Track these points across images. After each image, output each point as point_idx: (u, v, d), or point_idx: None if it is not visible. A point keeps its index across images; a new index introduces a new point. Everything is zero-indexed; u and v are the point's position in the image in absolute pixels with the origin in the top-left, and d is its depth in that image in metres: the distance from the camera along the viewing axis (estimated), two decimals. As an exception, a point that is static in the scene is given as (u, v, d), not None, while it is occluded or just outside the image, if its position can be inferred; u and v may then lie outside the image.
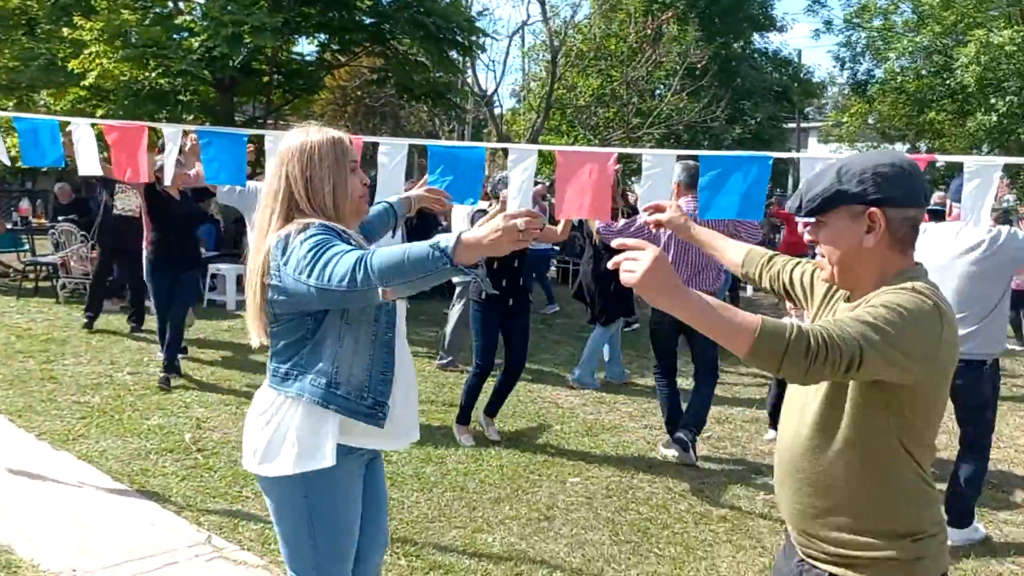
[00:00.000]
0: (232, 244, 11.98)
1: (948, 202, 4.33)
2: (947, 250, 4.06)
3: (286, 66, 12.78)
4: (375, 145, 4.92)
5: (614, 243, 1.68)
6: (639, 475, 5.02)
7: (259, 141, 5.01)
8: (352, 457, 2.31)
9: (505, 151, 5.53)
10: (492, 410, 5.55)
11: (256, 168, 7.69)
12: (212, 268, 10.20)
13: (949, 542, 2.03)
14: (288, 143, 2.27)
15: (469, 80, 17.21)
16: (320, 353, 2.22)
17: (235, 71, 11.08)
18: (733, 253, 2.38)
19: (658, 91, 16.75)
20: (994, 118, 14.97)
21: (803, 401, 1.83)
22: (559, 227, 5.06)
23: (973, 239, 3.98)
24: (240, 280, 10.48)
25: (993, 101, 15.07)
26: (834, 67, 23.25)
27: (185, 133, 5.03)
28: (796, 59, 24.04)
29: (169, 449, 5.02)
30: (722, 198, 3.63)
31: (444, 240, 1.93)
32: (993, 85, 15.05)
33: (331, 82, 17.24)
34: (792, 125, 28.34)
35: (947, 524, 3.80)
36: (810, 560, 1.82)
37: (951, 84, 15.82)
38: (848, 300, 1.85)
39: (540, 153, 5.19)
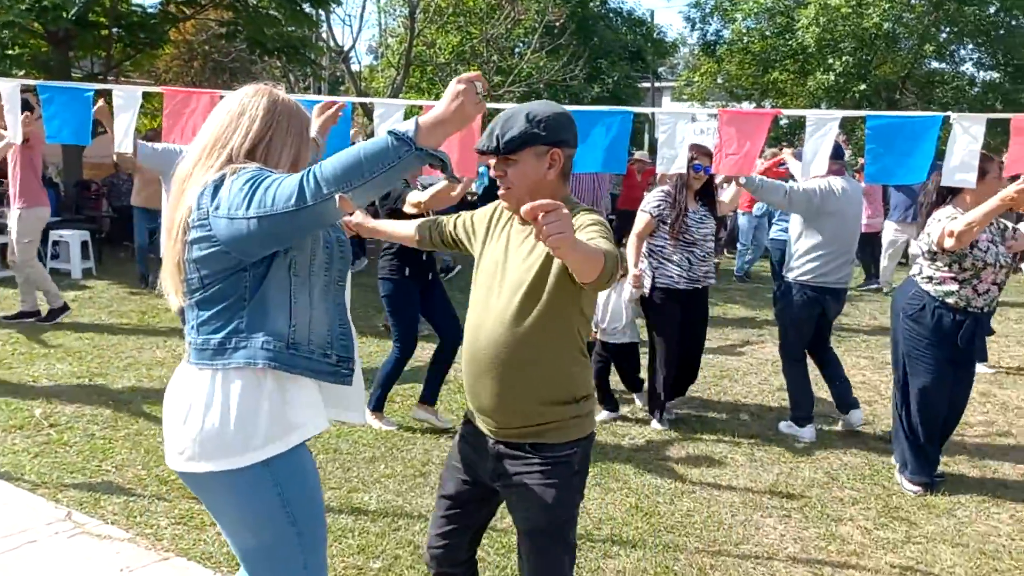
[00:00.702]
0: (75, 210, 11.25)
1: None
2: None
3: (126, 18, 11.98)
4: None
5: (523, 210, 1.72)
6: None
7: (107, 96, 4.71)
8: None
9: (366, 107, 5.42)
10: (434, 398, 5.02)
11: (98, 127, 7.23)
12: (54, 235, 9.55)
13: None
14: (251, 95, 1.98)
15: (324, 35, 16.69)
16: (267, 312, 1.89)
17: (70, 23, 10.30)
18: (405, 229, 2.71)
19: (518, 49, 16.80)
20: (832, 77, 15.91)
21: (496, 300, 2.21)
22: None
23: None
24: (86, 247, 9.88)
25: (831, 61, 15.99)
26: (685, 27, 23.96)
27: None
28: (649, 19, 24.65)
29: (18, 426, 4.73)
30: (587, 152, 3.71)
31: (402, 126, 1.72)
32: (831, 46, 15.96)
33: (176, 36, 16.32)
34: (647, 84, 29.11)
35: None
36: (508, 440, 2.24)
37: (793, 45, 16.66)
38: (523, 223, 2.22)
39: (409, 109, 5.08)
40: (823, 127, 3.54)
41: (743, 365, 6.79)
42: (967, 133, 3.27)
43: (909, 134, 3.31)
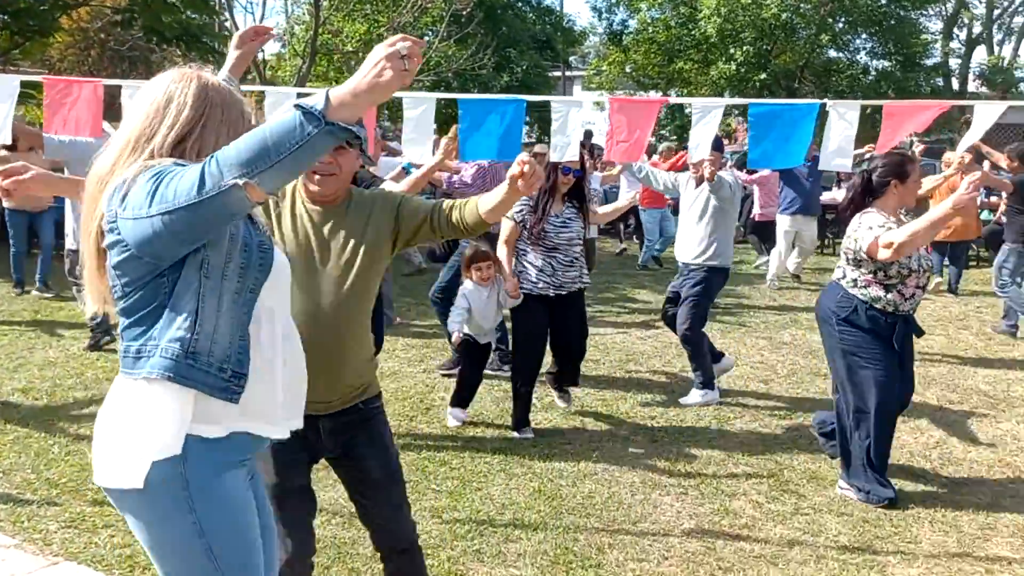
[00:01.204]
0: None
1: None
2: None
3: (13, 4, 11.44)
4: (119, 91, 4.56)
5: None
6: (418, 417, 5.15)
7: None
8: (235, 461, 1.85)
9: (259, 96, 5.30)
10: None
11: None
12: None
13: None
14: (177, 80, 1.78)
15: (227, 23, 16.23)
16: (175, 317, 1.73)
17: (-52, 9, 9.79)
18: None
19: (427, 38, 16.68)
20: (733, 67, 16.34)
21: (314, 286, 2.38)
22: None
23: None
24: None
25: (732, 51, 16.42)
26: (592, 17, 24.20)
27: None
28: (559, 8, 24.83)
29: None
30: (481, 140, 3.74)
31: (310, 100, 1.53)
32: (732, 36, 16.38)
33: (69, 23, 15.63)
34: (558, 73, 29.36)
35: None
36: (344, 407, 2.45)
37: (696, 35, 17.04)
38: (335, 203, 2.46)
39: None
40: (707, 115, 3.65)
41: (648, 349, 6.94)
42: (843, 119, 3.43)
43: (788, 121, 3.45)
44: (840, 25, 17.33)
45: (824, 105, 3.53)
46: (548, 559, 3.43)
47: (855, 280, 4.04)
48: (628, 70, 19.06)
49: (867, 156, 5.74)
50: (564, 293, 4.87)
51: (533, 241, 4.79)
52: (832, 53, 18.55)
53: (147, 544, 1.82)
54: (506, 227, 4.84)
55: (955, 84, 28.76)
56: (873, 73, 17.78)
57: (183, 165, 1.66)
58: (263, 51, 18.30)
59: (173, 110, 1.75)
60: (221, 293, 1.76)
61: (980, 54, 29.61)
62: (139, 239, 1.64)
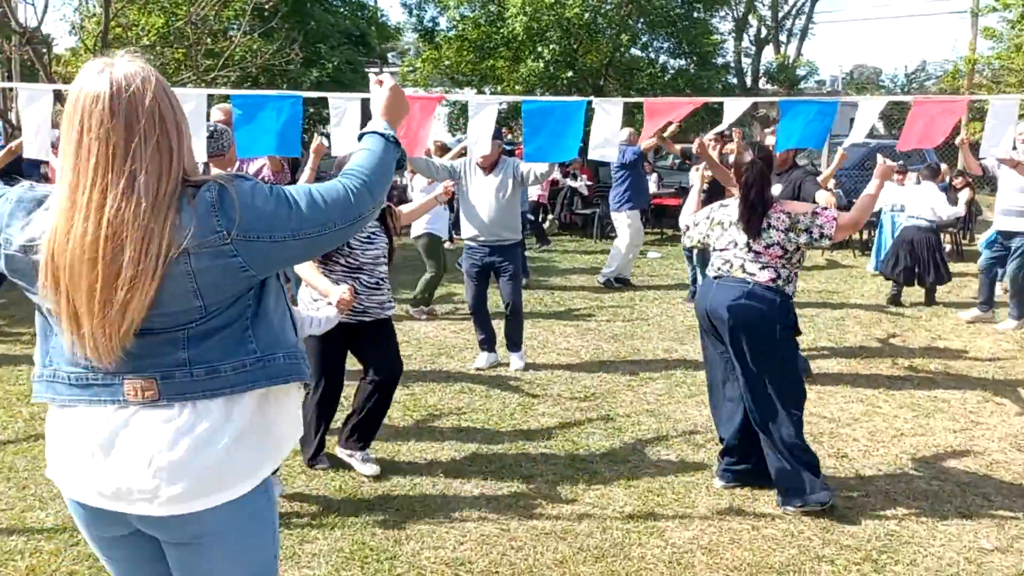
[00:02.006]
0: None
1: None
2: None
3: None
4: None
5: None
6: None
7: None
8: None
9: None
10: None
11: None
12: None
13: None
14: (140, 74, 1.61)
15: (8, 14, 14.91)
16: (275, 322, 1.76)
17: None
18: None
19: (232, 32, 16.05)
20: (542, 65, 16.80)
21: None
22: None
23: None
24: None
25: (540, 49, 16.87)
26: (403, 13, 24.18)
27: None
28: (373, 3, 24.60)
29: None
30: (259, 136, 3.68)
31: (377, 126, 1.89)
32: (539, 35, 16.83)
33: None
34: (376, 70, 29.09)
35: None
36: None
37: (504, 33, 17.37)
38: None
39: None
40: (482, 111, 3.77)
41: (460, 342, 7.04)
42: (608, 115, 3.65)
43: (560, 117, 3.62)
44: (639, 25, 18.19)
45: (591, 103, 3.73)
46: (343, 556, 3.43)
47: (787, 277, 3.89)
48: (442, 67, 19.18)
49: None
50: (368, 320, 4.21)
51: (331, 260, 4.07)
52: (636, 52, 19.47)
53: (228, 557, 1.77)
54: None
55: (748, 82, 31.01)
56: (671, 71, 18.81)
57: (247, 178, 1.68)
58: (52, 46, 16.99)
59: (171, 114, 1.67)
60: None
61: (770, 54, 32.07)
62: (272, 258, 1.67)
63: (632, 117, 12.11)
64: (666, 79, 18.21)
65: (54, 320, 1.66)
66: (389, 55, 31.03)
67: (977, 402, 5.55)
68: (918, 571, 3.39)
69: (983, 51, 19.31)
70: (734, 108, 3.64)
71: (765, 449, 3.92)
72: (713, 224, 4.10)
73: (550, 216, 14.51)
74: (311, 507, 3.89)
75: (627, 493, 4.10)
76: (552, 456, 4.56)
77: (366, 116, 2.12)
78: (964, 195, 12.14)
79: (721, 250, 4.02)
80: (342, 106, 3.70)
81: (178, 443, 1.66)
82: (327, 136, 7.23)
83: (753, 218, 3.83)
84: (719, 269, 4.01)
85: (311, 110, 17.70)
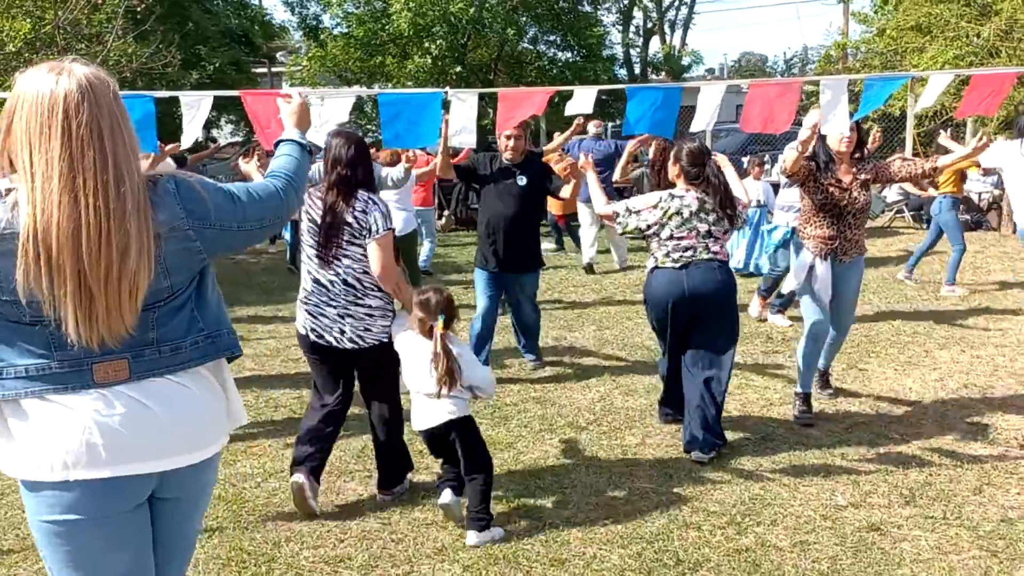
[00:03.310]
0: None
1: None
2: None
3: None
4: None
5: None
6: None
7: None
8: None
9: None
10: None
11: None
12: None
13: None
14: (99, 72, 1.77)
15: None
16: (214, 302, 2.02)
17: None
18: None
19: (108, 36, 15.43)
20: (429, 60, 16.78)
21: None
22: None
23: None
24: None
25: (427, 45, 16.85)
26: (286, 11, 23.77)
27: None
28: (256, 2, 24.03)
29: None
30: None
31: (295, 135, 2.25)
32: (425, 30, 16.79)
33: None
34: (264, 69, 28.44)
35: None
36: None
37: (390, 30, 17.27)
38: None
39: None
40: (337, 105, 3.79)
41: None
42: (464, 103, 3.74)
43: (416, 106, 3.71)
44: (525, 19, 18.37)
45: (447, 93, 3.80)
46: (220, 563, 3.41)
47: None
48: (329, 65, 18.91)
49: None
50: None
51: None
52: (526, 46, 19.64)
53: (204, 498, 2.11)
54: None
55: (637, 71, 31.70)
56: (559, 64, 19.06)
57: (191, 174, 1.94)
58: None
59: (121, 121, 1.85)
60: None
61: (657, 45, 32.84)
62: (220, 244, 1.94)
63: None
64: (554, 72, 18.43)
65: (32, 310, 1.74)
66: (278, 55, 30.41)
67: (842, 368, 5.88)
68: (777, 530, 3.59)
69: (856, 35, 20.28)
70: (583, 97, 3.75)
71: (696, 403, 4.38)
72: (669, 215, 4.41)
73: (445, 212, 14.54)
74: (189, 516, 3.83)
75: (508, 479, 4.19)
76: (437, 448, 4.61)
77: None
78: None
79: (678, 238, 4.40)
80: (195, 103, 3.67)
81: (174, 401, 1.89)
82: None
83: (729, 210, 4.43)
84: (683, 256, 4.41)
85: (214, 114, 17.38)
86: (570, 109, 3.82)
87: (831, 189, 4.65)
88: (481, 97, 3.92)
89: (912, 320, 7.19)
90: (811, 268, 4.75)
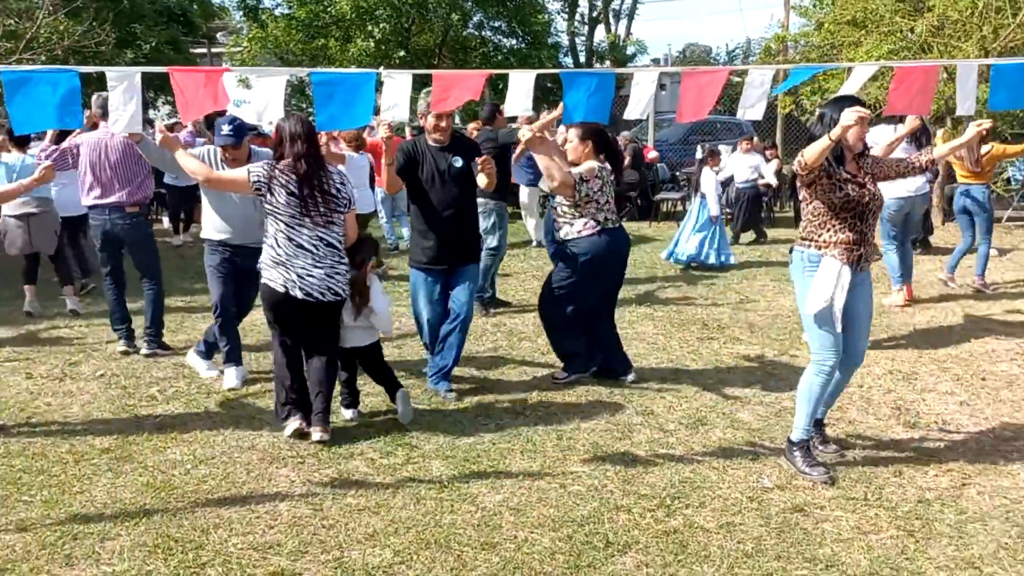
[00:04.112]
0: None
1: None
2: None
3: None
4: None
5: None
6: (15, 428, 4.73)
7: None
8: None
9: None
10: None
11: None
12: None
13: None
14: None
15: None
16: None
17: None
18: None
19: (37, 12, 14.90)
20: (372, 44, 16.60)
21: None
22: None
23: None
24: None
25: (371, 28, 16.66)
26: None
27: None
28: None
29: None
30: (37, 110, 3.53)
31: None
32: (368, 13, 16.60)
33: None
34: (204, 50, 27.87)
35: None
36: None
37: (333, 12, 17.03)
38: None
39: None
40: (121, 84, 3.68)
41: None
42: (395, 81, 3.73)
43: (350, 87, 3.68)
44: (470, 4, 18.27)
45: (380, 74, 3.77)
46: (146, 550, 3.35)
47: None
48: (270, 46, 18.57)
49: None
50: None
51: None
52: (471, 31, 19.54)
53: None
54: None
55: (582, 60, 31.79)
56: (504, 51, 19.01)
57: None
58: None
59: None
60: None
61: (602, 33, 32.98)
62: None
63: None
64: (499, 58, 18.39)
65: None
66: (218, 35, 29.79)
67: (773, 356, 6.01)
68: (705, 512, 3.66)
69: (796, 29, 20.61)
70: (520, 82, 3.75)
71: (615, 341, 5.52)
72: (605, 183, 5.25)
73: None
74: (117, 504, 3.76)
75: (444, 464, 4.19)
76: (373, 434, 4.59)
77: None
78: (772, 165, 12.99)
79: (606, 203, 5.26)
80: (122, 79, 3.58)
81: None
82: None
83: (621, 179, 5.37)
84: (614, 218, 5.34)
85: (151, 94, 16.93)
86: (509, 107, 3.79)
87: (849, 186, 3.93)
88: (418, 79, 3.89)
89: (842, 308, 7.38)
90: (838, 279, 3.91)
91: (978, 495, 3.78)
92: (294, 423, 4.47)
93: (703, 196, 9.39)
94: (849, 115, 3.61)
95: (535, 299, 7.83)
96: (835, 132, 3.69)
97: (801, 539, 3.42)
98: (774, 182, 12.64)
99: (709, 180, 9.40)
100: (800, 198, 4.09)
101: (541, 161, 5.16)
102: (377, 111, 4.04)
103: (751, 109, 4.02)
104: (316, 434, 4.40)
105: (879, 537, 3.43)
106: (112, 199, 5.85)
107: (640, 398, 5.12)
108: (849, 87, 4.23)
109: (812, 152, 3.79)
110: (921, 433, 4.56)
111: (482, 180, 5.00)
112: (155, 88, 17.16)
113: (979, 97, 4.61)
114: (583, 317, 5.39)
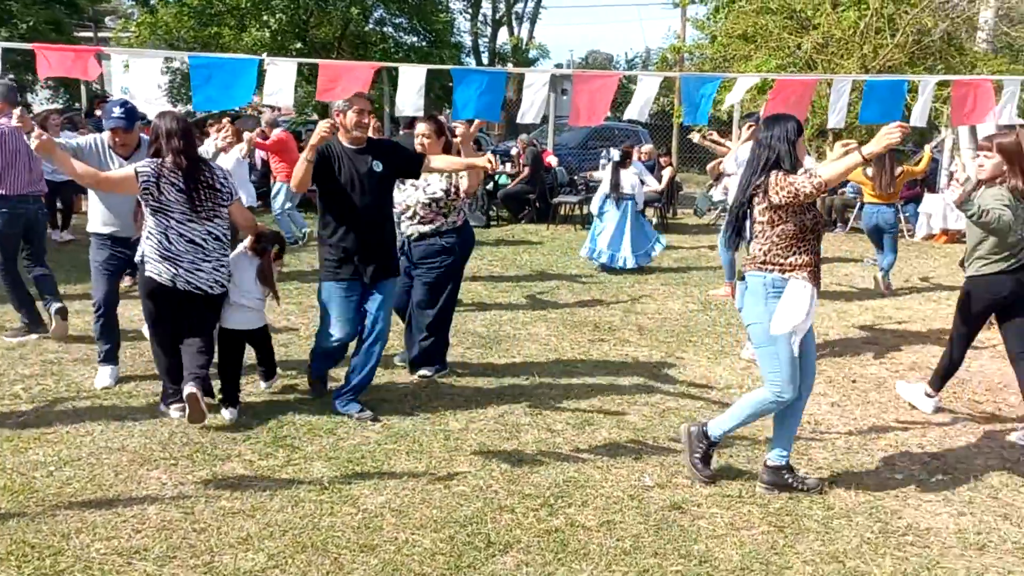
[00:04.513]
0: None
1: None
2: None
3: None
4: None
5: None
6: None
7: None
8: None
9: None
10: None
11: None
12: None
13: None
14: None
15: None
16: None
17: None
18: None
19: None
20: (268, 34, 16.18)
21: None
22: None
23: None
24: None
25: (266, 18, 16.24)
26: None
27: None
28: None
29: None
30: None
31: None
32: (264, 3, 16.18)
33: None
34: (90, 33, 26.68)
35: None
36: None
37: (229, 2, 16.53)
38: None
39: None
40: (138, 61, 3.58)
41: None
42: (280, 70, 3.63)
43: (230, 71, 3.57)
44: (370, 0, 18.05)
45: (263, 62, 3.66)
46: (-3, 558, 3.13)
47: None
48: (160, 33, 17.84)
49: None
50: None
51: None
52: (372, 26, 19.29)
53: None
54: None
55: (485, 61, 31.87)
56: (405, 48, 18.83)
57: None
58: None
59: None
60: None
61: (505, 36, 33.15)
62: None
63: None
64: (400, 55, 18.21)
65: None
66: (107, 19, 28.52)
67: (660, 358, 6.13)
68: (587, 511, 3.69)
69: (692, 41, 21.20)
70: (411, 78, 3.68)
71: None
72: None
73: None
74: (-34, 510, 3.51)
75: (326, 465, 4.09)
76: (253, 435, 4.45)
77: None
78: (666, 173, 13.30)
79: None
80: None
81: None
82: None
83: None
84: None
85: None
86: (401, 105, 3.68)
87: (815, 206, 3.82)
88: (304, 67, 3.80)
89: (729, 312, 7.60)
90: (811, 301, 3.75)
91: (845, 492, 3.94)
92: (178, 408, 4.60)
93: (619, 198, 9.52)
94: (892, 131, 3.51)
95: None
96: (873, 148, 3.56)
97: (678, 536, 3.48)
98: (658, 187, 12.62)
99: (629, 179, 9.58)
100: (764, 221, 3.77)
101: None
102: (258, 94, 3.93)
103: (634, 111, 4.08)
104: (189, 390, 4.31)
105: (751, 533, 3.53)
106: (38, 188, 6.05)
107: (530, 399, 5.13)
108: (732, 97, 4.36)
109: (835, 171, 3.63)
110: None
111: (464, 182, 5.10)
112: (32, 70, 16.26)
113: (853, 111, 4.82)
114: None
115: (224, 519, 3.50)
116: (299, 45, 16.87)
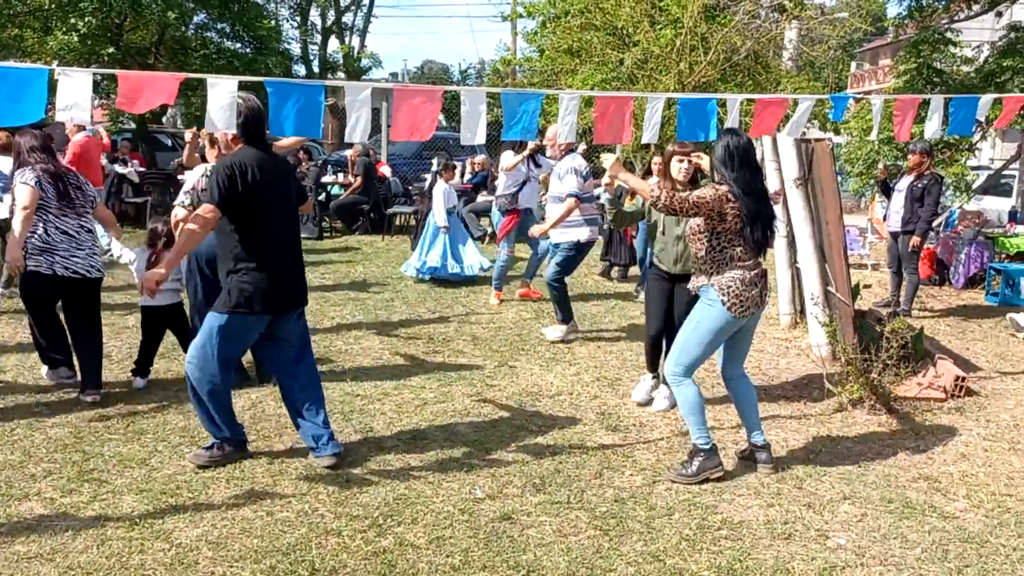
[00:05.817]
0: None
1: None
2: None
3: None
4: None
5: None
6: None
7: None
8: None
9: None
10: None
11: None
12: None
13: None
14: None
15: None
16: None
17: None
18: None
19: None
20: (76, 38, 15.11)
21: None
22: None
23: None
24: None
25: (74, 21, 15.16)
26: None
27: None
28: None
29: None
30: None
31: None
32: (72, 5, 15.10)
33: None
34: None
35: None
36: None
37: (31, 3, 15.32)
38: None
39: None
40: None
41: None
42: (74, 82, 3.37)
43: (15, 83, 3.26)
44: (190, 4, 17.22)
45: (53, 71, 3.37)
46: None
47: None
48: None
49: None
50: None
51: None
52: (193, 31, 18.41)
53: None
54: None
55: (316, 70, 31.22)
56: (228, 54, 18.09)
57: None
58: None
59: None
60: None
61: (336, 44, 32.59)
62: None
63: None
64: (222, 62, 17.46)
65: None
66: None
67: (494, 367, 6.17)
68: (417, 528, 3.63)
69: (522, 54, 21.65)
70: (220, 91, 3.49)
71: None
72: None
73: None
74: None
75: (138, 499, 3.83)
76: (55, 469, 4.11)
77: None
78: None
79: None
80: None
81: None
82: None
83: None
84: None
85: None
86: (209, 122, 3.45)
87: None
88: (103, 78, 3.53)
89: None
90: None
91: (666, 491, 4.10)
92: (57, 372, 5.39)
93: (449, 211, 9.49)
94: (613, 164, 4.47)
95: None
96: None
97: (507, 547, 3.49)
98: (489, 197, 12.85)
99: (438, 192, 9.52)
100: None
101: None
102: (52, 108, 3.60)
103: (470, 135, 4.04)
104: (89, 398, 5.09)
105: (578, 538, 3.59)
106: None
107: (360, 415, 5.02)
108: (561, 115, 4.45)
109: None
110: (621, 436, 4.87)
111: None
112: None
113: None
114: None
115: (18, 565, 3.20)
116: (111, 50, 15.85)
